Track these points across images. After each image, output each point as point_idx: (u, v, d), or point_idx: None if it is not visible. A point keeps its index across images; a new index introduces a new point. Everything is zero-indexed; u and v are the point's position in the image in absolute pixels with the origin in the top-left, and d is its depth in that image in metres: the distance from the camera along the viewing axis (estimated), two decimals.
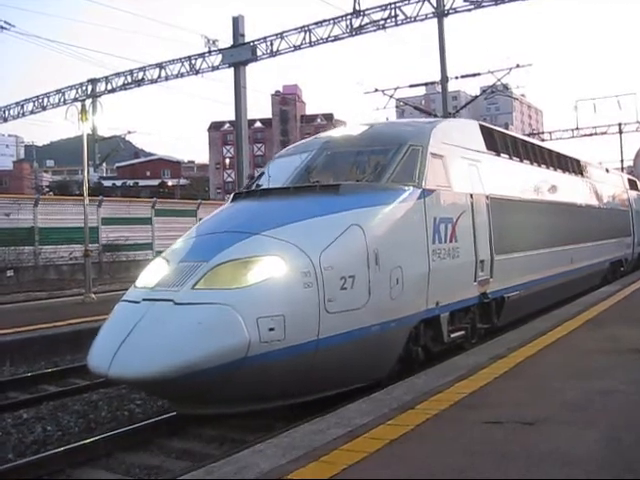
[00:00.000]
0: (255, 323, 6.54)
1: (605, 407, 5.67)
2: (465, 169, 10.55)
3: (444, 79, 27.32)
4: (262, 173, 10.35)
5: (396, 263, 8.11)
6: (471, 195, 10.38)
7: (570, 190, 16.77)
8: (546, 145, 18.35)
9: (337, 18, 28.10)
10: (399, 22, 27.12)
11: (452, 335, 9.54)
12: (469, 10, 26.58)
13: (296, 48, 29.18)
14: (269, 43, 29.94)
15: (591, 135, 51.20)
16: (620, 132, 51.25)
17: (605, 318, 11.18)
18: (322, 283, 7.12)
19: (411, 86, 31.40)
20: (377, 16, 27.43)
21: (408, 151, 9.23)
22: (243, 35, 30.28)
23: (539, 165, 14.77)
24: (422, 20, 26.84)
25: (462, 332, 9.90)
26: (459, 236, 9.67)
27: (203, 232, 8.29)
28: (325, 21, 28.42)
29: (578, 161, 19.02)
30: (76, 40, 41.35)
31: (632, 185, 27.03)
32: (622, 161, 53.04)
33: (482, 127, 12.41)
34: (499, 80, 29.13)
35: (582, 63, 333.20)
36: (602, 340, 8.91)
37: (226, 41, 30.88)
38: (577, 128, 50.56)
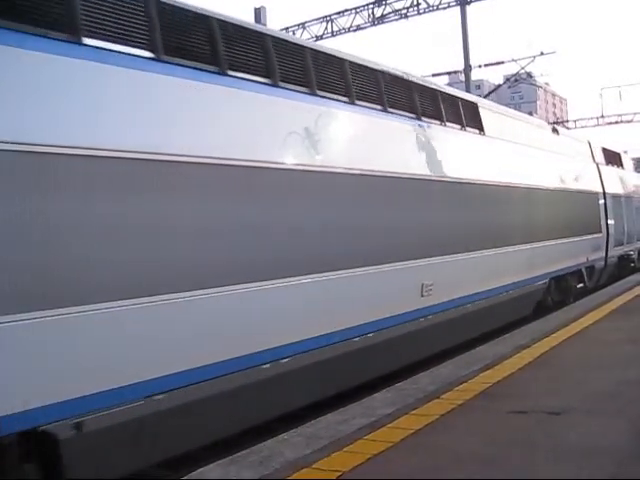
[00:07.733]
0: None
1: (633, 397, 5.60)
2: None
3: (467, 68, 27.15)
4: None
5: None
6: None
7: (450, 156, 9.55)
8: (410, 77, 9.20)
9: (359, 8, 28.01)
10: (421, 11, 26.96)
11: None
12: None
13: (318, 38, 29.13)
14: (291, 33, 29.92)
15: (617, 123, 50.45)
16: None
17: (630, 308, 11.06)
18: None
19: (434, 75, 31.22)
20: (399, 5, 27.29)
21: None
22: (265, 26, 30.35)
23: (367, 104, 7.99)
24: (445, 8, 26.67)
25: None
26: None
27: None
28: (347, 11, 28.37)
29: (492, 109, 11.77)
30: None
31: (609, 159, 18.08)
32: None
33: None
34: (523, 68, 28.97)
35: (607, 50, 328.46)
36: (628, 330, 8.81)
37: None
38: (602, 116, 49.92)
